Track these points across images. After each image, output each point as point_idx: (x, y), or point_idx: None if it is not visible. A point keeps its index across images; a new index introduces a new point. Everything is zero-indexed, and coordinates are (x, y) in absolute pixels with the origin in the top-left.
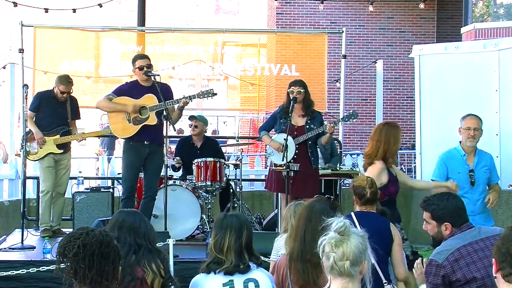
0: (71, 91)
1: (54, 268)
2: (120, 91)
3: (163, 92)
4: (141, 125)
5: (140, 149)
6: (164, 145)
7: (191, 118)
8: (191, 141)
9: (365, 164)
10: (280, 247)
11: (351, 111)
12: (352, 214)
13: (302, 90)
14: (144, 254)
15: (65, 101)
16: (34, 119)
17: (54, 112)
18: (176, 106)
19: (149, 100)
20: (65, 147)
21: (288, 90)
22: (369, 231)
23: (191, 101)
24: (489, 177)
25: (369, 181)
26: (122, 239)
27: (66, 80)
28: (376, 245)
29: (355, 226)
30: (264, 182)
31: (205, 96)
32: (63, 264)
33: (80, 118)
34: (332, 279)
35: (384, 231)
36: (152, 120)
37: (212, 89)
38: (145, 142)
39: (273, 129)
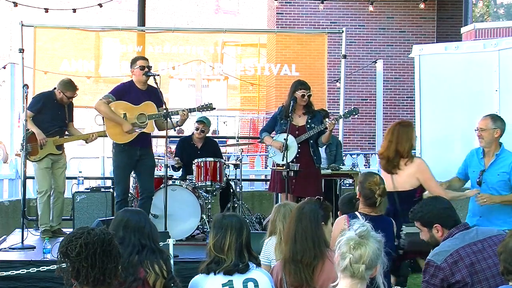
0: (76, 95)
1: (54, 268)
2: (118, 92)
3: (157, 96)
4: (139, 132)
5: (131, 152)
6: (164, 145)
7: (200, 122)
8: (191, 141)
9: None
10: (269, 251)
11: (352, 107)
12: (358, 214)
13: (311, 94)
14: (147, 255)
15: (65, 104)
16: (32, 120)
17: (55, 114)
18: (175, 121)
19: (149, 107)
20: (61, 148)
21: (298, 93)
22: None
23: (191, 114)
24: (508, 181)
25: (381, 188)
26: (127, 239)
27: (72, 87)
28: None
29: None
30: (264, 182)
31: (204, 110)
32: (64, 264)
33: (73, 121)
34: (341, 277)
35: (389, 242)
36: (150, 129)
37: (211, 103)
38: (137, 146)
39: (274, 131)
